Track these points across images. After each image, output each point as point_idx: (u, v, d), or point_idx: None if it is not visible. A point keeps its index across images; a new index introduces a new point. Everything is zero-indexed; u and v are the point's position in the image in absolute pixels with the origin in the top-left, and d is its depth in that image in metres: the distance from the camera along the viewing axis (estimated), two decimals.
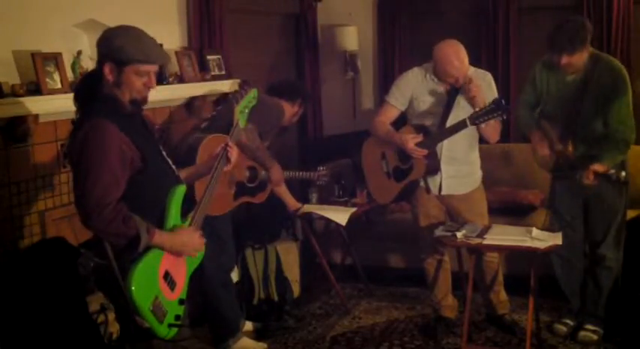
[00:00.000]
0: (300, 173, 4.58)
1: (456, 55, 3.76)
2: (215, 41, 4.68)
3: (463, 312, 3.93)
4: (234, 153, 2.91)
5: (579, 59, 3.62)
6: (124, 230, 2.46)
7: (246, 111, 3.04)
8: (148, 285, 2.50)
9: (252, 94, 3.08)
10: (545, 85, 3.83)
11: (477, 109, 3.66)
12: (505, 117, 3.67)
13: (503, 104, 3.60)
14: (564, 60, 3.59)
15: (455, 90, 3.85)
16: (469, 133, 3.87)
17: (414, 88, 3.94)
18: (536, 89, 3.89)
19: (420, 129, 3.89)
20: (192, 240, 2.67)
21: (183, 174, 2.87)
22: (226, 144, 2.89)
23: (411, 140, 3.81)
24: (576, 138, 3.70)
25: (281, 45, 5.94)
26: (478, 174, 4.04)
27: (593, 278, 3.94)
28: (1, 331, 2.88)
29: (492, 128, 3.85)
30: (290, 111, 4.29)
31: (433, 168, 3.89)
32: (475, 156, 4.02)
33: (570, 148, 3.70)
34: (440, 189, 3.95)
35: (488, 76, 3.95)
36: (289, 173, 4.44)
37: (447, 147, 3.88)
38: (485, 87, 3.83)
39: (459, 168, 3.93)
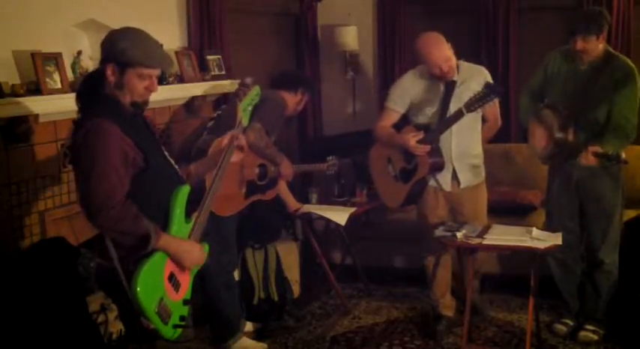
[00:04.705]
0: (310, 165, 4.59)
1: (434, 45, 3.79)
2: (215, 41, 4.68)
3: (463, 312, 3.94)
4: (243, 141, 2.88)
5: (594, 47, 3.65)
6: (133, 229, 2.45)
7: (249, 108, 3.01)
8: (154, 287, 2.49)
9: (255, 92, 3.04)
10: (555, 72, 3.86)
11: (471, 96, 3.68)
12: (500, 96, 3.69)
13: (496, 87, 3.64)
14: (579, 43, 3.63)
15: (450, 85, 3.86)
16: (472, 126, 3.92)
17: (411, 89, 3.97)
18: (545, 75, 3.91)
19: (421, 127, 3.91)
20: (193, 251, 2.65)
21: (192, 167, 2.86)
22: (232, 136, 2.85)
23: (411, 138, 3.83)
24: (578, 127, 3.70)
25: (281, 45, 5.94)
26: (483, 167, 4.07)
27: (592, 282, 3.94)
28: (1, 331, 2.88)
29: (493, 112, 3.97)
30: (292, 100, 4.26)
31: (438, 164, 3.90)
32: (480, 150, 4.04)
33: (571, 136, 3.69)
34: (458, 184, 3.96)
35: (484, 71, 3.98)
36: (299, 166, 4.43)
37: (455, 143, 3.90)
38: (482, 80, 3.83)
39: (470, 161, 3.97)
